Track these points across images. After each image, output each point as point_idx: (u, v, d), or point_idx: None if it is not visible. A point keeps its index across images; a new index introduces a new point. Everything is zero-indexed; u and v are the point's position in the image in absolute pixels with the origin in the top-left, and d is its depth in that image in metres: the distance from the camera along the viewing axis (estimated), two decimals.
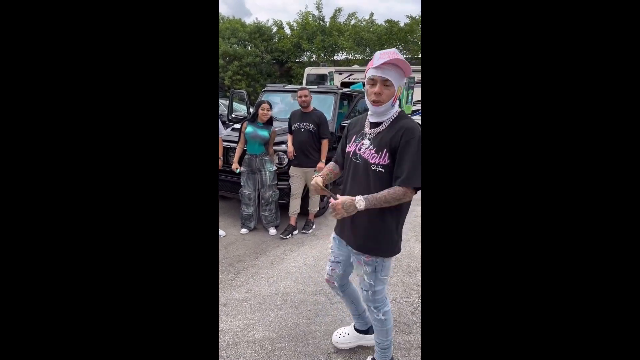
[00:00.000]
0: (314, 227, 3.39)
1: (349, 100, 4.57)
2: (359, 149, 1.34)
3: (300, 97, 3.20)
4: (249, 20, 21.24)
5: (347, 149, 1.40)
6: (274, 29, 16.98)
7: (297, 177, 3.26)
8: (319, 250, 2.95)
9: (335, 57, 15.55)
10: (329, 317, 2.04)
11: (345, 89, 4.71)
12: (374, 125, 1.34)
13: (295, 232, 3.31)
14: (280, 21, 16.96)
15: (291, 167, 3.31)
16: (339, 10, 15.59)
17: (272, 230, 3.30)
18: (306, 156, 3.18)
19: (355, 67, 11.64)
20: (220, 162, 3.05)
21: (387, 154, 1.26)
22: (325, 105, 3.96)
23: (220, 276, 2.45)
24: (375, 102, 1.26)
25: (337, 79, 9.66)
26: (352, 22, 15.54)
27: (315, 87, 4.17)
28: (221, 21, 17.69)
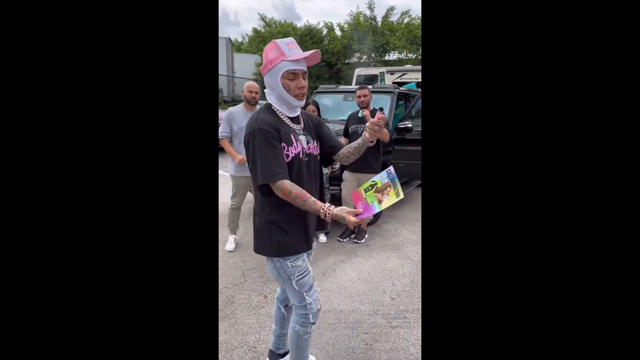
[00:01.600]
0: (366, 236, 3.16)
1: (405, 100, 4.26)
2: (303, 147, 1.24)
3: (360, 96, 2.97)
4: (300, 24, 21.63)
5: (291, 153, 1.18)
6: (324, 31, 17.05)
7: (350, 182, 3.06)
8: (373, 263, 2.71)
9: (387, 57, 15.12)
10: (389, 343, 1.80)
11: (402, 88, 4.41)
12: (295, 120, 1.27)
13: (353, 235, 3.12)
14: (331, 23, 16.96)
15: (345, 171, 3.11)
16: (391, 9, 15.13)
17: (322, 238, 3.14)
18: (365, 162, 2.79)
19: (408, 66, 11.14)
20: None
21: (316, 141, 1.32)
22: (379, 106, 3.71)
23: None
24: (301, 96, 1.19)
25: (389, 79, 9.28)
26: (406, 20, 14.99)
27: (370, 86, 3.95)
28: (273, 25, 18.23)
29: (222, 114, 2.62)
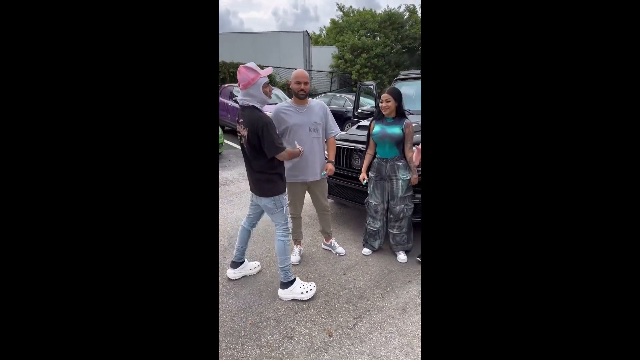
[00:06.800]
0: None
1: None
2: None
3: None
4: (379, 11, 20.65)
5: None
6: (406, 15, 15.85)
7: None
8: None
9: None
10: None
11: None
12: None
13: None
14: (414, 5, 15.65)
15: None
16: None
17: (402, 256, 2.59)
18: None
19: None
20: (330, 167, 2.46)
21: None
22: None
23: (337, 317, 1.91)
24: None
25: None
26: None
27: None
28: (350, 15, 17.69)
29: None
